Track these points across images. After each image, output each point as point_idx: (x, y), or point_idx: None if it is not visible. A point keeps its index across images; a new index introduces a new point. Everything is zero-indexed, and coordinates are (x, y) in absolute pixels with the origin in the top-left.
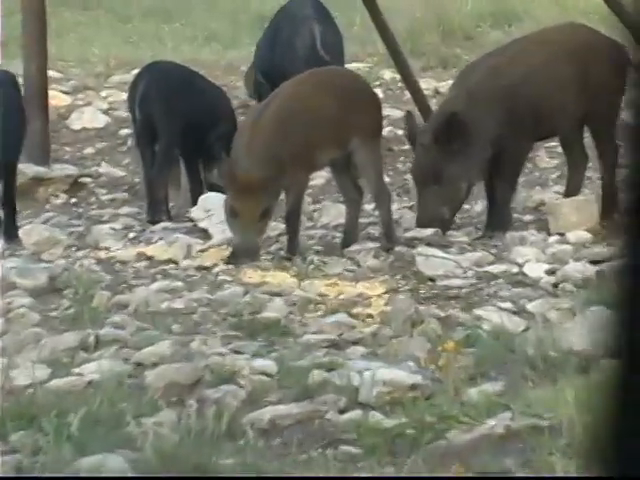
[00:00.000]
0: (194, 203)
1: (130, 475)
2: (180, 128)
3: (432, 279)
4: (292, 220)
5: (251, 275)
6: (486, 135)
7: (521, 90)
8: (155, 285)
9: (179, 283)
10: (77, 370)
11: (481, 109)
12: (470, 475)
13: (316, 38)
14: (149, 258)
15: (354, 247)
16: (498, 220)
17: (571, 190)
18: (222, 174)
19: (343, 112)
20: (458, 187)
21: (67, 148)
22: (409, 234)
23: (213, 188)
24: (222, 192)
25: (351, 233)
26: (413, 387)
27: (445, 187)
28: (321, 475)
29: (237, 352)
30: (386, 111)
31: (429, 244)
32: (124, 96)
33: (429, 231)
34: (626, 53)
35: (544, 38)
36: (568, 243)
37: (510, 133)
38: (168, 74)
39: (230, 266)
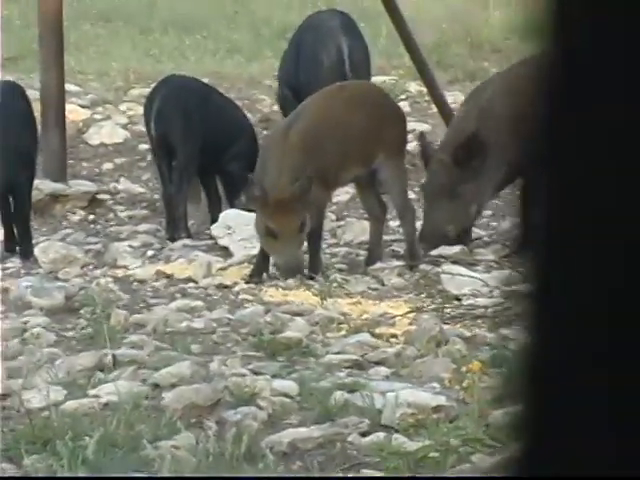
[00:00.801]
0: (214, 220)
1: None
2: (198, 144)
3: (458, 298)
4: (314, 237)
5: (272, 294)
6: (501, 156)
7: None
8: (174, 304)
9: (199, 302)
10: (93, 391)
11: (493, 129)
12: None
13: (343, 53)
14: (168, 276)
15: (378, 265)
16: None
17: None
18: (250, 197)
19: (370, 128)
20: (468, 207)
21: (85, 164)
22: (435, 252)
23: (238, 208)
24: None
25: (375, 251)
26: (437, 409)
27: (456, 206)
28: None
29: (257, 373)
30: (412, 125)
31: (455, 262)
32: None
33: (455, 249)
34: None
35: None
36: None
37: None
38: (185, 89)
39: (251, 285)
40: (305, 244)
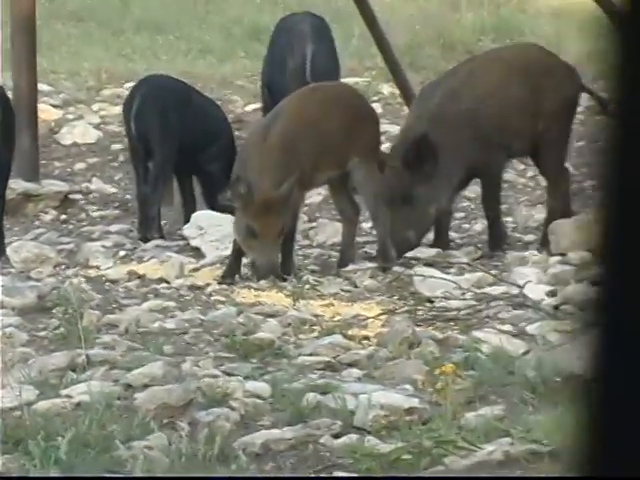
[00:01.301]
0: (187, 221)
1: None
2: (176, 144)
3: (430, 300)
4: (288, 239)
5: (245, 295)
6: (453, 158)
7: (481, 112)
8: (146, 304)
9: (171, 303)
10: (66, 391)
11: (446, 132)
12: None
13: (306, 58)
14: (140, 277)
15: (350, 267)
16: (493, 240)
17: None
18: (236, 194)
19: (344, 130)
20: (426, 210)
21: (57, 163)
22: (408, 254)
23: (220, 209)
24: (230, 213)
25: (347, 252)
26: (410, 411)
27: (413, 210)
28: None
29: (230, 374)
30: (385, 127)
31: (427, 264)
32: (116, 110)
33: (430, 251)
34: (577, 76)
35: (496, 57)
36: (569, 264)
37: (478, 154)
38: (164, 88)
39: (223, 285)
40: None
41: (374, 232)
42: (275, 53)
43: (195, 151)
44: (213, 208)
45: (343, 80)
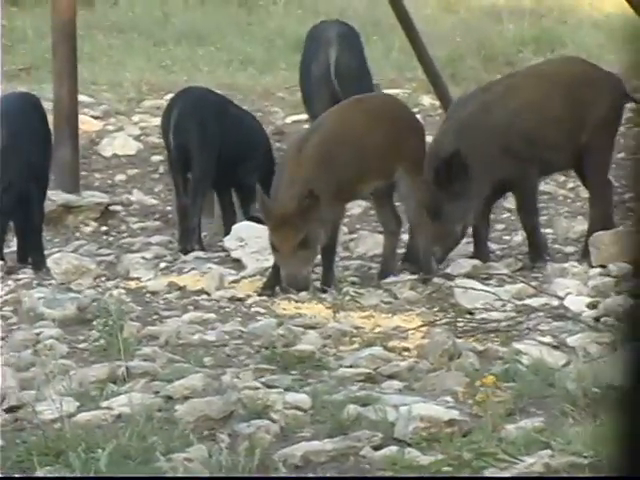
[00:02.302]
0: (227, 232)
1: None
2: (214, 156)
3: (470, 312)
4: (328, 251)
5: (285, 307)
6: (482, 173)
7: (514, 126)
8: (186, 316)
9: (211, 315)
10: (106, 403)
11: (475, 146)
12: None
13: (330, 64)
14: (180, 288)
15: (391, 278)
16: (533, 251)
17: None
18: (260, 208)
19: (389, 141)
20: (454, 228)
21: (97, 175)
22: (449, 269)
23: (253, 219)
24: (262, 223)
25: (388, 264)
26: (450, 423)
27: (441, 227)
28: None
29: (270, 386)
30: (426, 138)
31: (468, 276)
32: (156, 122)
33: (470, 263)
34: (623, 86)
35: (536, 72)
36: (610, 275)
37: (509, 169)
38: (202, 101)
39: (264, 297)
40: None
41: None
42: (305, 62)
43: (233, 163)
44: (250, 220)
45: (384, 91)
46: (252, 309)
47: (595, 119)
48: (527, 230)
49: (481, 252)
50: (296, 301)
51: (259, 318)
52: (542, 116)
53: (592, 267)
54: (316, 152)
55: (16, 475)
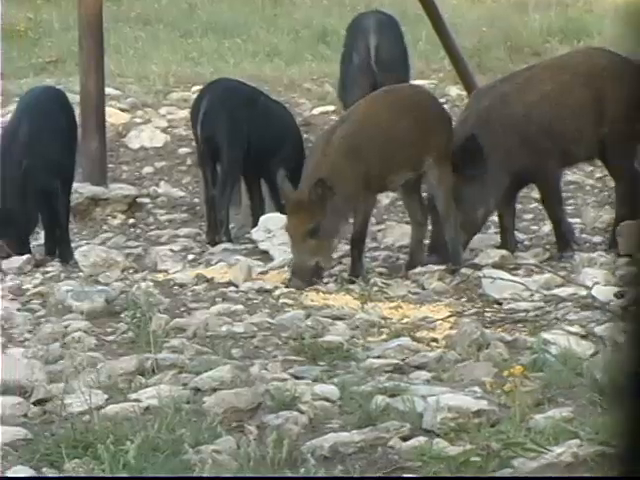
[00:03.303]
0: (255, 224)
1: None
2: (243, 148)
3: (498, 302)
4: (357, 242)
5: (313, 298)
6: (500, 162)
7: (532, 117)
8: (214, 308)
9: (239, 306)
10: (134, 395)
11: (492, 135)
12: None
13: (371, 51)
14: (208, 280)
15: (418, 269)
16: (561, 241)
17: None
18: (282, 196)
19: (417, 132)
20: (475, 212)
21: (125, 167)
22: (476, 259)
23: (283, 210)
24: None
25: (416, 255)
26: (478, 413)
27: (462, 212)
28: None
29: (298, 377)
30: None
31: (495, 266)
32: (183, 114)
33: (498, 253)
34: None
35: (557, 64)
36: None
37: (528, 160)
38: (232, 92)
39: (291, 289)
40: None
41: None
42: (345, 54)
43: (263, 154)
44: (281, 211)
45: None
46: (280, 300)
47: (617, 109)
48: (553, 221)
49: (507, 242)
50: (324, 292)
51: (287, 309)
52: (561, 108)
53: (620, 256)
54: (343, 143)
55: (21, 475)
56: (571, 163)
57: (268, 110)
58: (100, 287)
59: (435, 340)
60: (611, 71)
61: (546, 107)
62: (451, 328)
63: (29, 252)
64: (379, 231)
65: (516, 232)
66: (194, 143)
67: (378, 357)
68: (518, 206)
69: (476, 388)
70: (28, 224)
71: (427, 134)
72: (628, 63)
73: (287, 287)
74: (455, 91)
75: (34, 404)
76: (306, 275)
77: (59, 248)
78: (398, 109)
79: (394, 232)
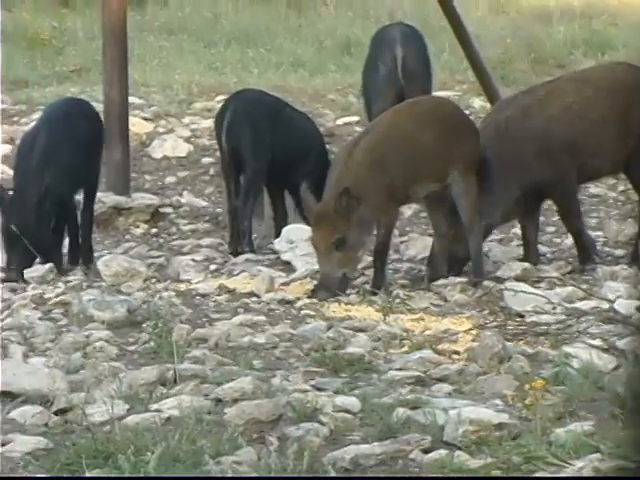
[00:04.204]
0: (277, 235)
1: None
2: (267, 158)
3: (520, 315)
4: (380, 253)
5: (335, 309)
6: (512, 174)
7: (551, 131)
8: (236, 319)
9: (261, 317)
10: (155, 406)
11: (509, 147)
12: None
13: (397, 61)
14: (230, 291)
15: (441, 281)
16: (582, 253)
17: None
18: (305, 208)
19: (443, 144)
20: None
21: (148, 177)
22: (499, 272)
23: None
24: None
25: (439, 267)
26: (500, 426)
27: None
28: None
29: (320, 388)
30: None
31: (518, 279)
32: (207, 123)
33: (520, 266)
34: None
35: (580, 78)
36: None
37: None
38: (256, 103)
39: (314, 300)
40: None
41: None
42: (370, 65)
43: (287, 165)
44: (307, 222)
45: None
46: (302, 312)
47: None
48: (573, 234)
49: (530, 255)
50: (346, 304)
51: (309, 321)
52: (583, 121)
53: None
54: (366, 155)
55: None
56: (594, 177)
57: (292, 121)
58: (122, 297)
59: (457, 353)
60: (635, 85)
61: (567, 120)
62: (473, 341)
63: (60, 262)
64: (402, 243)
65: (539, 245)
66: (217, 153)
67: (400, 369)
68: (541, 219)
69: (497, 401)
70: (55, 235)
71: (452, 146)
72: None
73: (311, 298)
74: (479, 103)
75: (55, 413)
76: (333, 286)
77: (82, 253)
78: (423, 121)
79: (417, 244)
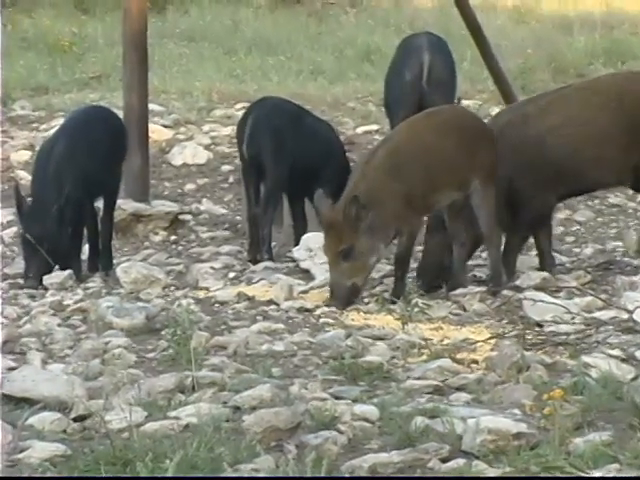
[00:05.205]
0: (297, 242)
1: None
2: (288, 166)
3: (539, 324)
4: (401, 263)
5: (354, 318)
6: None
7: (549, 141)
8: (255, 326)
9: (280, 325)
10: (174, 413)
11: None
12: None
13: (423, 69)
14: (249, 299)
15: (460, 290)
16: (497, 276)
17: None
18: (320, 215)
19: (461, 154)
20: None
21: (167, 184)
22: (518, 281)
23: None
24: None
25: (458, 276)
26: (518, 436)
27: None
28: None
29: (338, 397)
30: None
31: (537, 288)
32: (226, 131)
33: (540, 275)
34: None
35: (587, 87)
36: None
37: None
38: (278, 111)
39: (332, 308)
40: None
41: (483, 255)
42: (395, 71)
43: (308, 173)
44: None
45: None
46: (321, 320)
47: None
48: (504, 251)
49: (546, 264)
50: (365, 312)
51: (327, 329)
52: (585, 132)
53: None
54: (384, 162)
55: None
56: (595, 189)
57: (313, 129)
58: (141, 304)
59: (475, 362)
60: None
61: (564, 131)
62: (491, 350)
63: (79, 269)
64: (420, 252)
65: (557, 254)
66: (237, 161)
67: (418, 378)
68: (560, 229)
69: (516, 410)
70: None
71: (472, 155)
72: None
73: (327, 306)
74: None
75: (74, 420)
76: (343, 296)
77: (101, 259)
78: (442, 130)
79: None
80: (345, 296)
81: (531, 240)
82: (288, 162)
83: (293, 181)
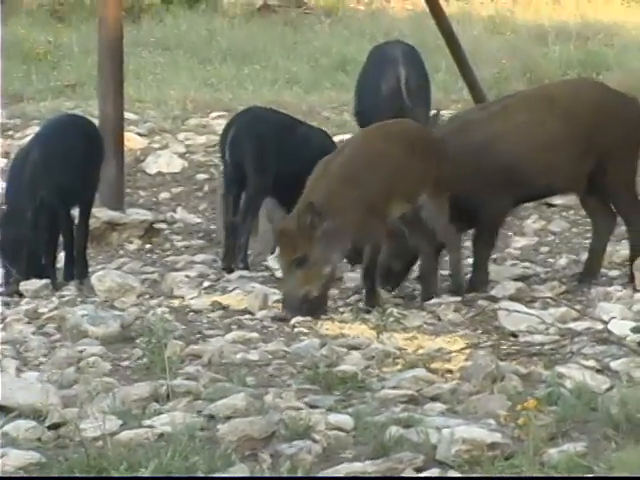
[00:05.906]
0: (273, 251)
1: None
2: (271, 176)
3: (514, 335)
4: (369, 271)
5: (328, 327)
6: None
7: (495, 147)
8: (230, 336)
9: (254, 334)
10: (148, 422)
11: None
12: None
13: (401, 81)
14: (224, 308)
15: (435, 300)
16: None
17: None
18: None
19: (410, 166)
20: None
21: (142, 192)
22: (493, 291)
23: None
24: None
25: (429, 285)
26: (492, 446)
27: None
28: None
29: (312, 406)
30: None
31: (511, 298)
32: (201, 140)
33: (513, 285)
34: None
35: (540, 94)
36: None
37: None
38: (261, 120)
39: (307, 317)
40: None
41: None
42: (367, 81)
43: (302, 181)
44: None
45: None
46: (295, 329)
47: (607, 143)
48: (475, 262)
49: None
50: (339, 322)
51: (302, 338)
52: (532, 140)
53: (636, 291)
54: (339, 170)
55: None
56: (547, 195)
57: (305, 137)
58: (116, 312)
59: (450, 372)
60: (600, 104)
61: (511, 138)
62: (466, 360)
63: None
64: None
65: (533, 265)
66: (212, 169)
67: (393, 387)
68: (535, 239)
69: (490, 421)
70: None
71: (420, 169)
72: (620, 97)
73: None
74: None
75: (48, 428)
76: (296, 305)
77: (76, 267)
78: (391, 142)
79: None
80: (297, 305)
81: (507, 250)
82: (271, 171)
83: (286, 189)
